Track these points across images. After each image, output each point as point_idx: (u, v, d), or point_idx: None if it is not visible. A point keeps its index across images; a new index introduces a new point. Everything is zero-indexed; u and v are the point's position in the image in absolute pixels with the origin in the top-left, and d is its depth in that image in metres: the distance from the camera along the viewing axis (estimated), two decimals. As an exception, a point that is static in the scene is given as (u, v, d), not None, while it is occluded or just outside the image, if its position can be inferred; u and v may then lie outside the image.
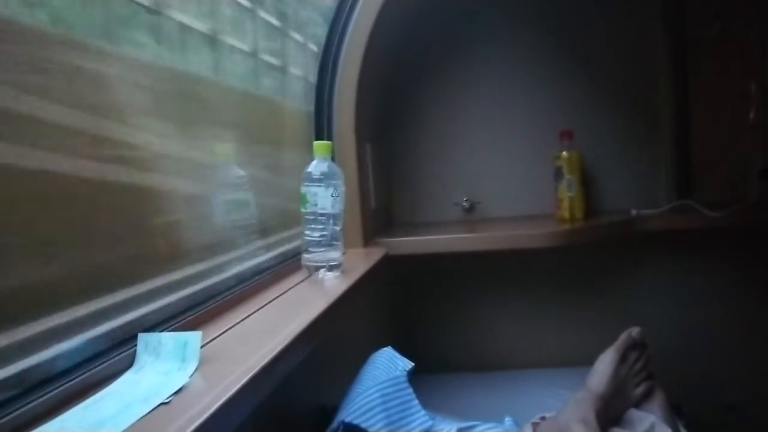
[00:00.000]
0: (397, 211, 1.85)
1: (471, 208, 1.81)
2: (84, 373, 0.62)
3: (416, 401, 0.92)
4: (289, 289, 1.06)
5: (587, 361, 1.15)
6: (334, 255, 1.15)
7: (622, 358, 1.09)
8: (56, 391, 0.58)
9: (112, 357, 0.67)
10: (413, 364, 0.97)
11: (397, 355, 1.00)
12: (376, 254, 1.38)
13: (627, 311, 1.77)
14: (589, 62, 1.78)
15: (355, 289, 1.07)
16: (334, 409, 0.94)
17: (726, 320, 1.77)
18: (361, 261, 1.29)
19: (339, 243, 1.16)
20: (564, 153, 1.65)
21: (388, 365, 0.98)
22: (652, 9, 1.73)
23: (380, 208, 1.67)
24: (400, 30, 1.67)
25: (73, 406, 0.57)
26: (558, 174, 1.66)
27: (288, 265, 1.20)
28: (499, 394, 1.50)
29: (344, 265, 1.17)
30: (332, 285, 1.08)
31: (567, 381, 1.43)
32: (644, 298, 1.78)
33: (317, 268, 1.14)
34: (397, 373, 0.95)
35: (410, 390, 0.93)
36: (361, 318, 1.41)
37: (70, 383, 0.60)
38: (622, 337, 1.12)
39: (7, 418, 0.53)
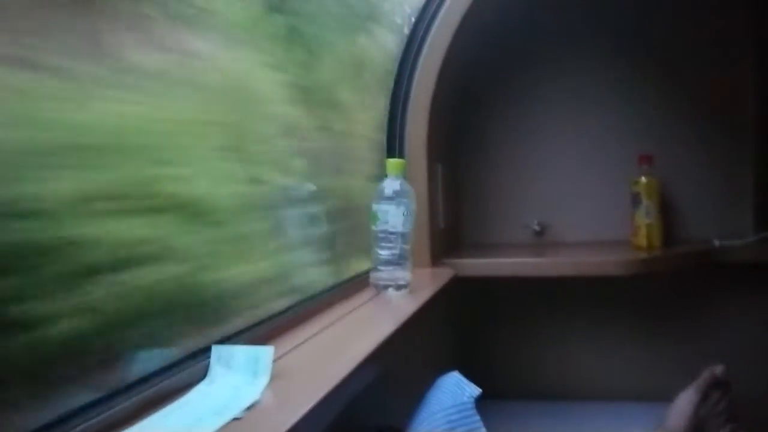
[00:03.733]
0: (465, 231, 1.82)
1: (542, 232, 1.76)
2: (161, 381, 0.63)
3: (483, 429, 0.90)
4: (358, 307, 1.05)
5: (662, 397, 1.09)
6: (403, 274, 1.14)
7: (704, 398, 1.03)
8: (134, 399, 0.59)
9: (186, 367, 0.68)
10: (480, 390, 0.95)
11: (465, 380, 0.98)
12: (444, 275, 1.37)
13: (707, 347, 1.67)
14: (670, 83, 1.70)
15: (424, 309, 1.05)
16: (400, 432, 0.93)
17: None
18: (429, 281, 1.28)
19: (407, 262, 1.15)
20: (642, 178, 1.59)
21: (454, 390, 0.96)
22: (737, 25, 1.65)
23: (448, 228, 1.65)
24: (473, 50, 1.66)
25: (149, 414, 0.58)
26: (635, 200, 1.60)
27: (355, 282, 1.20)
28: (568, 426, 1.44)
29: (412, 285, 1.16)
30: (401, 305, 1.07)
31: (640, 417, 1.37)
32: (727, 333, 1.68)
33: (385, 287, 1.13)
34: (465, 399, 0.93)
35: (477, 417, 0.90)
36: (428, 340, 1.39)
37: (148, 391, 0.61)
38: (704, 375, 1.06)
39: (86, 424, 0.54)
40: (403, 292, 1.13)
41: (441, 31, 1.43)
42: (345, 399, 0.70)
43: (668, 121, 1.71)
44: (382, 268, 1.13)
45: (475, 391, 0.95)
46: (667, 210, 1.66)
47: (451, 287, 1.36)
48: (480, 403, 0.93)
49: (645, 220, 1.58)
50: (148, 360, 0.67)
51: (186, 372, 0.67)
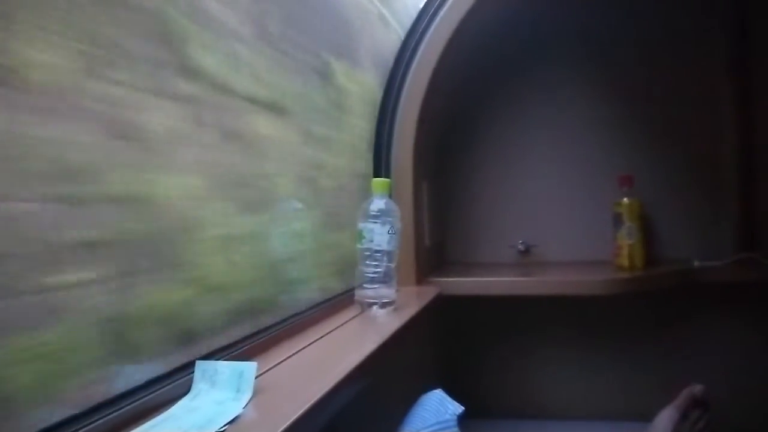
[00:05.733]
0: (451, 250, 1.84)
1: (526, 251, 1.78)
2: (143, 396, 0.64)
3: (465, 447, 0.90)
4: (342, 324, 1.06)
5: (642, 415, 1.11)
6: (388, 292, 1.15)
7: (683, 417, 1.05)
8: (117, 413, 0.59)
9: (170, 382, 0.68)
10: (463, 408, 0.95)
11: (448, 398, 0.99)
12: (428, 293, 1.38)
13: (687, 367, 1.69)
14: (652, 106, 1.74)
15: (408, 327, 1.06)
16: (382, 450, 0.93)
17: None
18: (414, 299, 1.29)
19: (393, 280, 1.16)
20: (624, 200, 1.61)
21: (437, 408, 0.96)
22: (718, 52, 1.70)
23: (434, 246, 1.66)
24: (460, 70, 1.69)
25: (132, 428, 0.59)
26: (617, 221, 1.62)
27: (340, 299, 1.21)
28: (549, 445, 1.45)
29: (397, 302, 1.16)
30: (385, 322, 1.07)
31: (622, 436, 1.37)
32: (706, 352, 1.70)
33: (370, 305, 1.14)
34: (447, 416, 0.94)
35: (460, 435, 0.91)
36: (412, 357, 1.40)
37: (130, 406, 0.61)
38: (684, 395, 1.07)
39: (69, 437, 0.54)
40: (388, 309, 1.14)
41: (427, 55, 1.46)
42: (328, 414, 0.70)
43: (650, 144, 1.75)
44: (367, 285, 1.14)
45: (458, 408, 0.96)
46: (649, 231, 1.69)
47: (436, 305, 1.37)
48: (463, 421, 0.94)
49: (627, 240, 1.60)
50: (132, 374, 0.68)
51: (169, 387, 0.67)
